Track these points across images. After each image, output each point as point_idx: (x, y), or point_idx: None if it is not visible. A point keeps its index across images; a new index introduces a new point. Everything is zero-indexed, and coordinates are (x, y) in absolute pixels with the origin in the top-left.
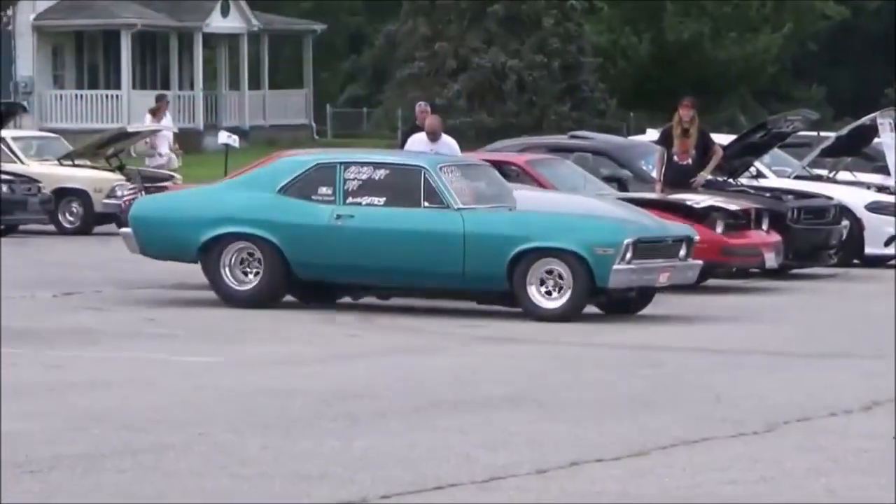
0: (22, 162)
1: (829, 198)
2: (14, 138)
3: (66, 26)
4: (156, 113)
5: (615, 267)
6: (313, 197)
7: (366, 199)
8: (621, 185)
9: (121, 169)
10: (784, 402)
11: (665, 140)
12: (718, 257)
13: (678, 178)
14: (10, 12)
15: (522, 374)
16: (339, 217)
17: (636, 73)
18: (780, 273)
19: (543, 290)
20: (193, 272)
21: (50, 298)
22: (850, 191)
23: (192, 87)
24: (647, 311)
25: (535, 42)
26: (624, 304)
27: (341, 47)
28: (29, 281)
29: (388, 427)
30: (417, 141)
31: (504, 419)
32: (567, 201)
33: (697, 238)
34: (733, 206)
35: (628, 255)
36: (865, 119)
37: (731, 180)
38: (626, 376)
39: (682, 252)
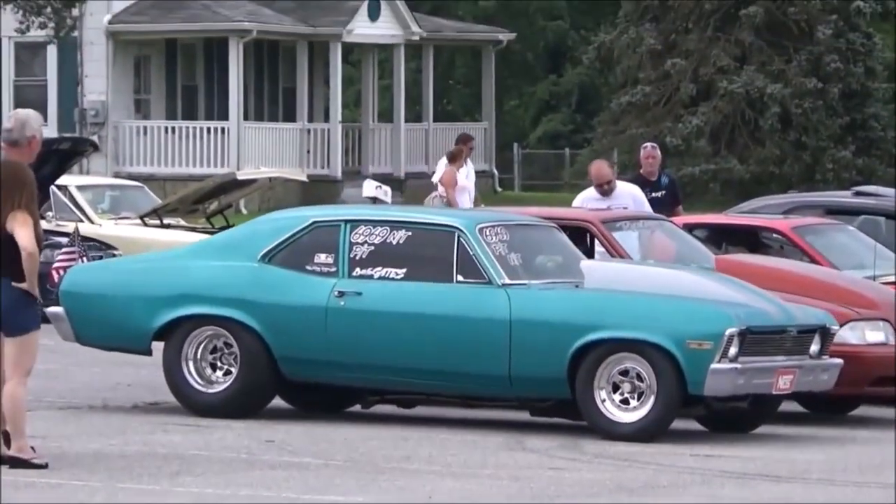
0: (91, 221)
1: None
2: (80, 187)
3: (154, 32)
4: (455, 158)
5: (714, 366)
6: (308, 267)
7: (379, 271)
8: None
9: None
10: None
11: None
12: None
13: None
14: (76, 12)
15: None
16: (341, 295)
17: None
18: None
19: (618, 397)
20: None
21: (129, 410)
22: None
23: (326, 118)
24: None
25: (805, 60)
26: (732, 420)
27: (536, 64)
28: (98, 386)
29: None
30: (585, 198)
31: None
32: (657, 276)
33: (836, 328)
34: None
35: (732, 351)
36: None
37: None
38: None
39: (815, 347)
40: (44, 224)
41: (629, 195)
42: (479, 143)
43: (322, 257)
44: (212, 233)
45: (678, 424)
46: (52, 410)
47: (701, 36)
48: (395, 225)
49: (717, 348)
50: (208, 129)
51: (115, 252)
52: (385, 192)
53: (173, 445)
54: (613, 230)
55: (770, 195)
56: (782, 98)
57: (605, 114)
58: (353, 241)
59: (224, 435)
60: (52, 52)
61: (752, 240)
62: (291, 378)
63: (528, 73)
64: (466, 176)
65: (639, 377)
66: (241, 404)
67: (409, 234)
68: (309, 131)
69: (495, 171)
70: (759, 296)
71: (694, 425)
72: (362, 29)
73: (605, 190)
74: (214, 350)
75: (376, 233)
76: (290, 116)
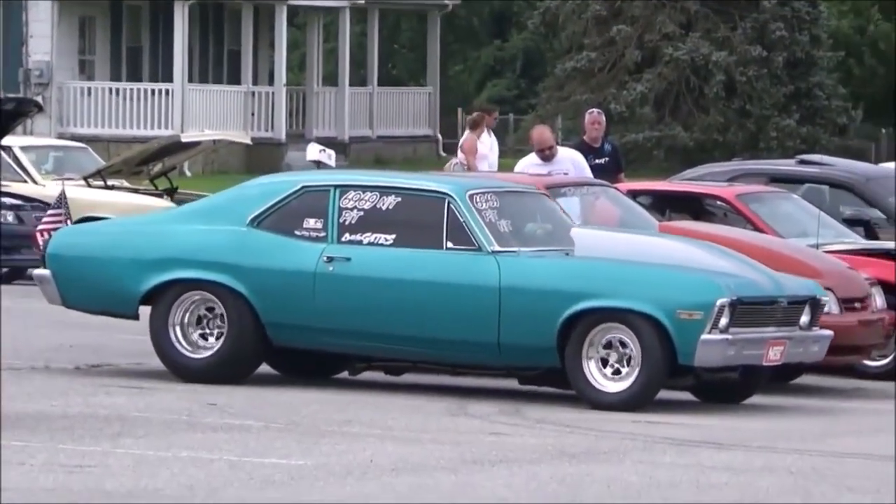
0: (35, 181)
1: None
2: (24, 148)
3: None
4: (476, 125)
5: (704, 337)
6: (297, 232)
7: (368, 237)
8: (869, 230)
9: (171, 193)
10: None
11: None
12: None
13: None
14: None
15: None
16: (330, 260)
17: (891, 74)
18: None
19: (608, 368)
20: None
21: (72, 372)
22: None
23: (270, 81)
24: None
25: (750, 28)
26: (722, 391)
27: (481, 29)
28: (41, 347)
29: None
30: (526, 164)
31: None
32: (648, 245)
33: (826, 299)
34: None
35: (723, 321)
36: None
37: None
38: (880, 502)
39: (805, 318)
40: None
41: (569, 161)
42: (424, 108)
43: (311, 222)
44: (156, 195)
45: (663, 394)
46: None
47: (646, 3)
48: (385, 190)
49: (707, 318)
50: (153, 91)
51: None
52: (329, 156)
53: (115, 407)
54: (557, 196)
55: (714, 163)
56: (727, 66)
57: (550, 79)
58: (342, 206)
59: (166, 397)
60: None
61: (696, 207)
62: (278, 344)
63: (473, 38)
64: (490, 147)
65: (627, 346)
66: (228, 370)
67: (399, 199)
68: (253, 94)
69: (439, 136)
70: (750, 266)
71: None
72: None
73: (547, 155)
74: (202, 315)
75: (366, 198)
76: (234, 79)
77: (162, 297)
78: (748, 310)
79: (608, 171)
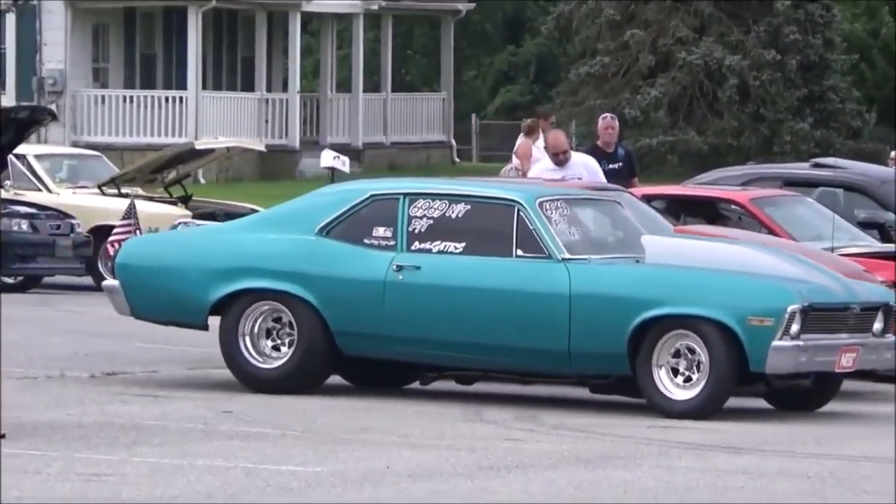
0: (49, 190)
1: None
2: (38, 156)
3: (113, 0)
4: (531, 131)
5: (775, 343)
6: (366, 241)
7: (437, 245)
8: (884, 233)
9: (186, 200)
10: None
11: None
12: None
13: None
14: None
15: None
16: (400, 268)
17: None
18: None
19: (679, 377)
20: None
21: (87, 380)
22: None
23: (284, 88)
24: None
25: (764, 31)
26: (795, 397)
27: (494, 34)
28: (56, 356)
29: None
30: (540, 169)
31: None
32: (719, 252)
33: None
34: None
35: (794, 328)
36: None
37: None
38: None
39: (878, 325)
40: (2, 193)
41: (583, 165)
42: (437, 114)
43: (380, 231)
44: (170, 202)
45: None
46: (11, 381)
47: (660, 6)
48: (455, 198)
49: (778, 325)
50: (166, 99)
51: (73, 221)
52: (343, 163)
53: (131, 415)
54: None
55: (728, 167)
56: (741, 69)
57: (564, 84)
58: (411, 214)
59: (182, 405)
60: (10, 20)
61: (710, 211)
62: (348, 353)
63: (487, 44)
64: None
65: (696, 353)
66: (299, 380)
67: (469, 207)
68: (267, 101)
69: (453, 142)
70: (821, 272)
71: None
72: None
73: (561, 160)
74: (272, 325)
75: (435, 206)
76: (248, 86)
77: (231, 307)
78: (820, 316)
79: (622, 175)
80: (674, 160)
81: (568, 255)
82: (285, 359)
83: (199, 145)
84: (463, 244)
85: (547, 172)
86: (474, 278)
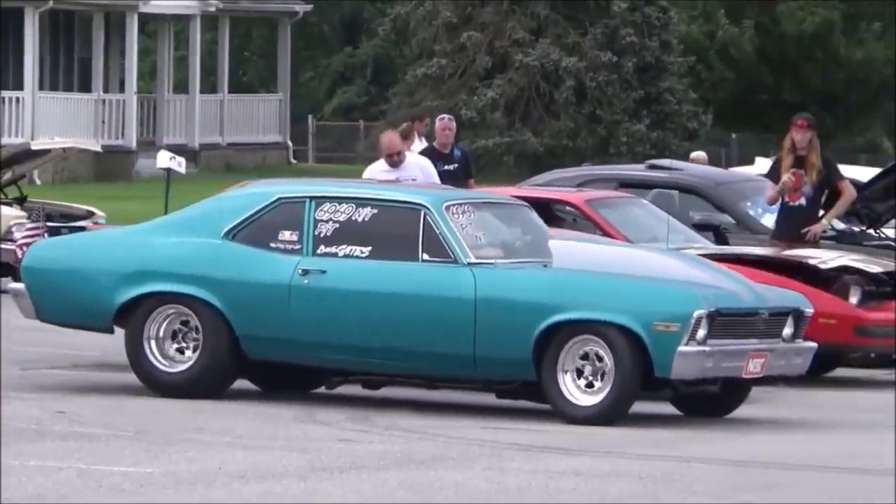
0: None
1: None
2: None
3: None
4: (407, 136)
5: (681, 349)
6: (272, 245)
7: (344, 249)
8: (718, 235)
9: (21, 202)
10: None
11: (774, 173)
12: (852, 339)
13: (789, 225)
14: None
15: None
16: (305, 273)
17: (741, 79)
18: None
19: (582, 381)
20: (118, 346)
21: None
22: None
23: (121, 88)
24: (743, 412)
25: (600, 33)
26: (703, 403)
27: (331, 36)
28: None
29: None
30: (375, 170)
31: None
32: (627, 256)
33: (810, 311)
34: (874, 268)
35: (700, 333)
36: None
37: (871, 231)
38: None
39: (788, 331)
40: None
41: (417, 166)
42: (274, 115)
43: (286, 234)
44: (6, 203)
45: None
46: None
47: (497, 8)
48: (361, 202)
49: (684, 330)
50: (3, 99)
51: None
52: (179, 163)
53: None
54: None
55: (564, 168)
56: (577, 71)
57: (401, 86)
58: (317, 218)
59: (15, 406)
60: None
61: (545, 212)
62: (253, 357)
63: (324, 45)
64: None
65: (602, 359)
66: (205, 384)
67: (375, 211)
68: (104, 102)
69: (290, 143)
70: (729, 278)
71: (486, 399)
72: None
73: (395, 161)
74: (178, 328)
75: (342, 210)
76: (85, 87)
77: (137, 310)
78: (727, 321)
79: (458, 176)
80: (510, 161)
81: (474, 259)
82: (191, 363)
83: (35, 146)
84: (369, 248)
85: (381, 174)
86: (380, 282)
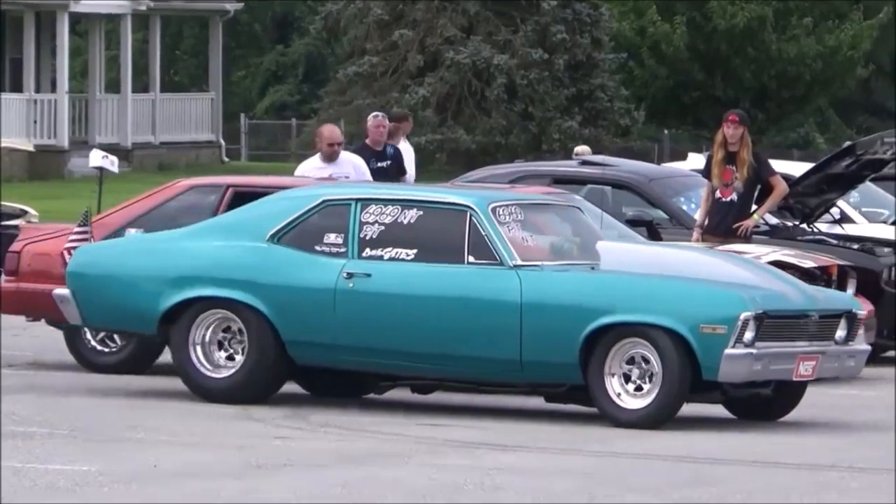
0: None
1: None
2: None
3: None
4: (391, 137)
5: (728, 351)
6: (317, 248)
7: (389, 252)
8: (652, 230)
9: None
10: None
11: (706, 169)
12: None
13: (721, 221)
14: None
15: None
16: (350, 276)
17: (672, 75)
18: (870, 357)
19: (630, 384)
20: (56, 344)
21: None
22: None
23: (53, 88)
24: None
25: (531, 30)
26: (755, 406)
27: (263, 35)
28: None
29: None
30: (308, 167)
31: None
32: (675, 258)
33: (863, 313)
34: (806, 263)
35: (748, 336)
36: None
37: (804, 226)
38: (661, 501)
39: (841, 333)
40: None
41: (350, 163)
42: (206, 114)
43: (331, 237)
44: None
45: (491, 399)
46: None
47: (428, 6)
48: (407, 204)
49: (731, 332)
50: None
51: None
52: (112, 162)
53: None
54: None
55: (497, 165)
56: (509, 69)
57: (333, 84)
58: (363, 220)
59: None
60: None
61: None
62: (300, 362)
63: (256, 44)
64: (406, 155)
65: (649, 362)
66: (251, 390)
67: (421, 213)
68: (35, 102)
69: (222, 142)
70: (779, 278)
71: (418, 396)
72: None
73: (335, 152)
74: (223, 334)
75: (387, 212)
76: (16, 87)
77: (182, 315)
78: (776, 323)
79: (390, 174)
80: (442, 158)
81: (520, 262)
82: (236, 368)
83: None
84: (415, 251)
85: (315, 171)
86: (425, 286)
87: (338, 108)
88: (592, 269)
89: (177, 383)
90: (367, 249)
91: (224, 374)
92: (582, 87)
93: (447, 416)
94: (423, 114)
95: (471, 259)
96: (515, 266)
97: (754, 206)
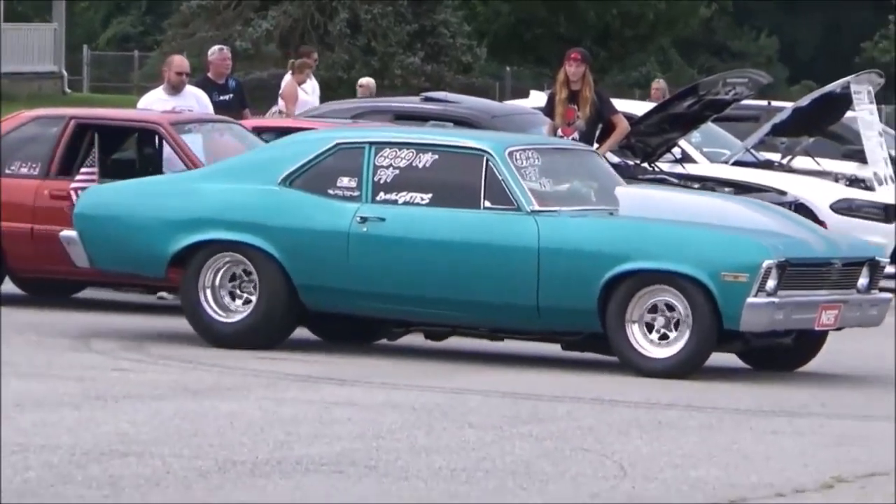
0: None
1: (782, 192)
2: None
3: None
4: (300, 72)
5: (750, 300)
6: (330, 191)
7: (403, 196)
8: None
9: None
10: (713, 476)
11: (549, 107)
12: None
13: None
14: None
15: (349, 430)
16: (364, 220)
17: (515, 12)
18: None
19: (655, 334)
20: None
21: None
22: (811, 183)
23: None
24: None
25: None
26: (775, 357)
27: None
28: None
29: (166, 496)
30: (152, 100)
31: (321, 489)
32: (696, 204)
33: (886, 261)
34: None
35: (770, 284)
36: (834, 85)
37: (644, 165)
38: (500, 437)
39: (863, 281)
40: None
41: (193, 96)
42: (49, 45)
43: (345, 181)
44: None
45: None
46: None
47: None
48: (422, 147)
49: (753, 281)
50: None
51: None
52: None
53: None
54: (182, 132)
55: (338, 100)
56: (352, 3)
57: (176, 17)
58: (377, 164)
59: None
60: None
61: None
62: (312, 308)
63: None
64: (313, 91)
65: (672, 310)
66: (261, 334)
67: (436, 157)
68: None
69: (65, 73)
70: (801, 226)
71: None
72: None
73: (182, 81)
74: (233, 277)
75: (402, 156)
76: None
77: (191, 259)
78: (798, 272)
79: (233, 108)
80: None
81: (537, 207)
82: (247, 312)
83: None
84: (430, 195)
85: (158, 103)
86: (440, 231)
87: (181, 40)
88: (611, 214)
89: (16, 315)
90: (382, 193)
91: (234, 318)
92: (424, 22)
93: (287, 350)
94: (266, 48)
95: (487, 204)
96: (533, 211)
97: (596, 145)
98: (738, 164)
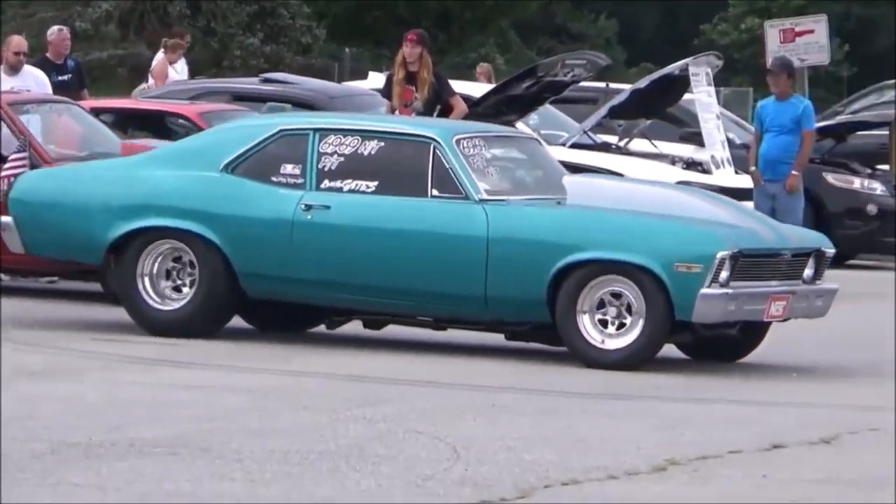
0: None
1: (619, 175)
2: None
3: None
4: (173, 51)
5: (703, 291)
6: (273, 178)
7: (349, 184)
8: None
9: None
10: (546, 459)
11: (387, 88)
12: None
13: None
14: None
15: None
16: (308, 208)
17: None
18: None
19: (611, 326)
20: None
21: None
22: (648, 166)
23: None
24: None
25: None
26: (717, 348)
27: None
28: None
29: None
30: None
31: (155, 471)
32: (644, 193)
33: (832, 251)
34: None
35: (723, 275)
36: (672, 67)
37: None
38: (334, 420)
39: (809, 272)
40: None
41: (32, 76)
42: None
43: (289, 168)
44: None
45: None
46: None
47: None
48: (367, 134)
49: (707, 272)
50: None
51: None
52: None
53: None
54: (20, 113)
55: (178, 81)
56: None
57: None
58: (321, 150)
59: None
60: None
61: (159, 124)
62: (253, 296)
63: None
64: (182, 72)
65: (623, 301)
66: (199, 322)
67: (382, 144)
68: None
69: None
70: (749, 216)
71: (97, 312)
72: None
73: (20, 61)
74: (172, 265)
75: (347, 142)
76: None
77: (129, 246)
78: (750, 263)
79: (71, 88)
80: (124, 73)
81: (486, 196)
82: (186, 300)
83: None
84: (375, 183)
85: None
86: (387, 219)
87: (20, 20)
88: (559, 203)
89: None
90: (326, 181)
91: (172, 306)
92: (264, 3)
93: (124, 332)
94: (106, 28)
95: (434, 192)
96: (481, 200)
97: None
98: (575, 146)
